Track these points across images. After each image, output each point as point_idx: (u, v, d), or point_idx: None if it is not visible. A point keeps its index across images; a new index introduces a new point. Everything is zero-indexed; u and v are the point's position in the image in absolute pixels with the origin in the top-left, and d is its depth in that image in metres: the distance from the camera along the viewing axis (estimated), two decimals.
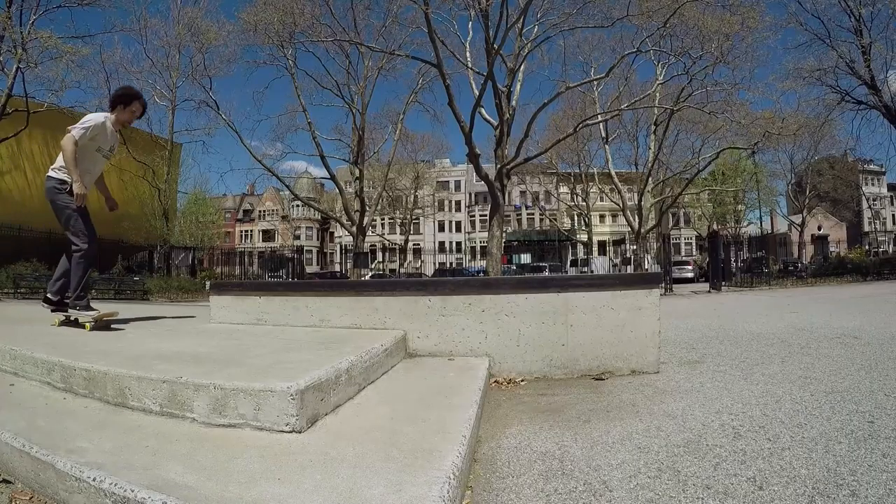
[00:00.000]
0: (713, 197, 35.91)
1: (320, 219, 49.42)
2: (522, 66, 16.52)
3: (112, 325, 2.98)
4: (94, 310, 2.90)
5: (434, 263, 37.69)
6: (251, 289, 3.37)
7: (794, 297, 9.81)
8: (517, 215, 49.22)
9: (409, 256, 43.81)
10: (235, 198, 53.33)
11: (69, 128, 2.89)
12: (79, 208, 2.92)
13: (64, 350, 2.09)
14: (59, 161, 2.95)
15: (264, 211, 54.47)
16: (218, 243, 32.42)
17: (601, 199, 36.88)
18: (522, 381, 2.48)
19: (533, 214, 48.80)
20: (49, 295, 3.09)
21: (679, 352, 3.28)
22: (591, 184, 34.83)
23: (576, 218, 43.65)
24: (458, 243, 50.82)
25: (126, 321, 3.30)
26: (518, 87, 16.65)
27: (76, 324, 2.90)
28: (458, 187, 53.02)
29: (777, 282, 17.64)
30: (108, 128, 3.02)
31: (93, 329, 2.76)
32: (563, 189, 42.42)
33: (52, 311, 3.05)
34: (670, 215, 37.49)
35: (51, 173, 2.95)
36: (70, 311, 2.93)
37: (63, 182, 2.91)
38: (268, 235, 51.63)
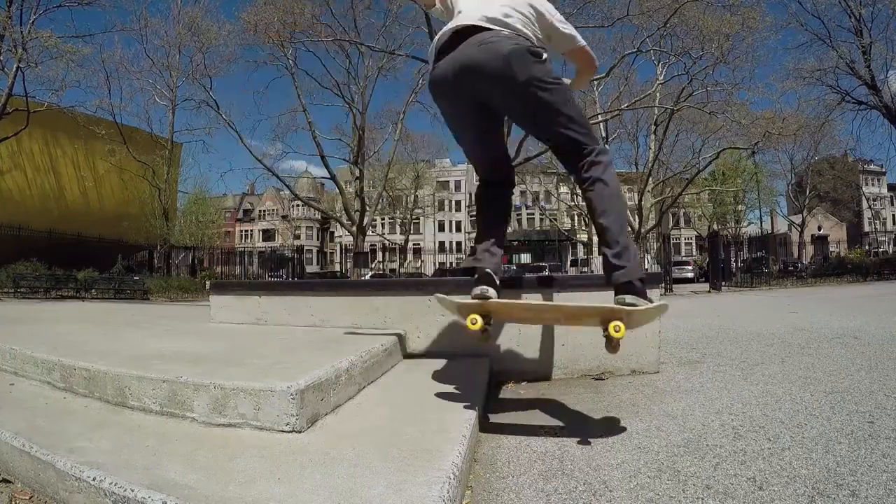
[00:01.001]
0: (713, 197, 35.95)
1: (320, 219, 49.45)
2: None
3: None
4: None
5: (434, 263, 37.68)
6: (251, 288, 3.36)
7: (795, 298, 9.82)
8: (517, 215, 49.24)
9: (409, 256, 43.81)
10: (235, 197, 53.37)
11: None
12: None
13: (64, 350, 2.09)
14: (511, 9, 1.50)
15: (264, 211, 54.50)
16: (218, 243, 32.44)
17: None
18: (522, 380, 2.48)
19: (533, 214, 48.83)
20: (490, 271, 1.71)
21: (679, 352, 3.28)
22: None
23: (576, 218, 43.67)
24: (458, 243, 50.86)
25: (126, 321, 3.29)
26: None
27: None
28: (458, 187, 53.07)
29: (777, 282, 17.66)
30: None
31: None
32: (563, 189, 42.42)
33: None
34: (670, 215, 37.50)
35: (511, 29, 1.47)
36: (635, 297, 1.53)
37: (541, 51, 1.48)
38: (268, 235, 51.66)
